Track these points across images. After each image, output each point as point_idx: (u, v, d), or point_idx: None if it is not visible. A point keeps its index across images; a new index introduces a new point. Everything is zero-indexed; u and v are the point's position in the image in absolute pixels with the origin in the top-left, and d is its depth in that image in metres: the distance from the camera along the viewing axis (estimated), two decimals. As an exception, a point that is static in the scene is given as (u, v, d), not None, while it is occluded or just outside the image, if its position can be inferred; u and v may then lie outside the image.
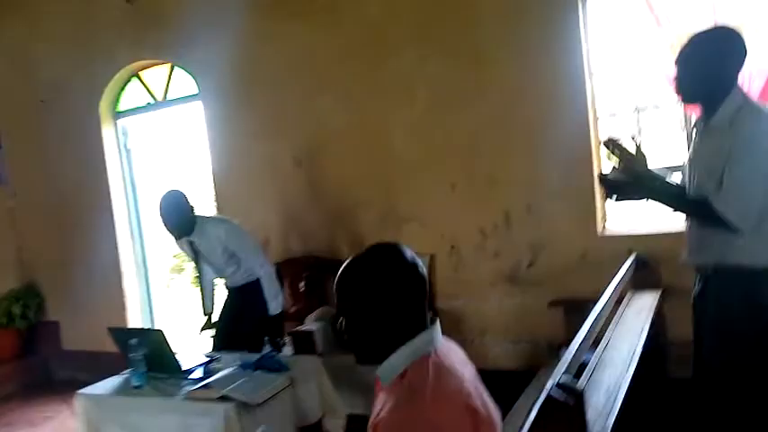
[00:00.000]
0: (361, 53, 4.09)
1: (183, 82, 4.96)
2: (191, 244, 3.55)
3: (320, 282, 4.15)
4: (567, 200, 3.57)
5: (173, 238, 3.61)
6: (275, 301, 3.51)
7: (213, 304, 3.85)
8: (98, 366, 4.92)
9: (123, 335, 3.22)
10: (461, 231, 3.83)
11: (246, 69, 4.53)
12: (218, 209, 4.78)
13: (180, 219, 3.43)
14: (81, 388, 3.09)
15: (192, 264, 3.79)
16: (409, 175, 3.99)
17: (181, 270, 6.47)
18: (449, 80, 3.81)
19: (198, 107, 4.82)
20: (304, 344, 3.62)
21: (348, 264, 1.39)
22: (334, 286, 1.39)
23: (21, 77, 5.65)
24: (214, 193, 4.81)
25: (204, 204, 5.43)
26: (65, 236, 5.63)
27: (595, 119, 3.62)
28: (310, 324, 3.75)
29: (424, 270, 1.40)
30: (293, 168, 4.39)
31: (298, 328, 3.73)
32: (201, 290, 3.74)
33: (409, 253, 1.39)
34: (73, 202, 5.53)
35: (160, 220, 3.45)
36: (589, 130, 3.55)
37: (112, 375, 3.16)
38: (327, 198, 4.27)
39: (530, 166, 3.64)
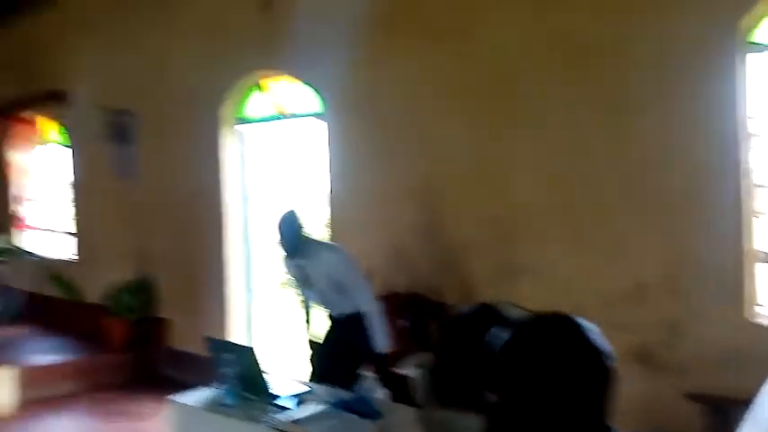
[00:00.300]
0: (492, 86, 3.86)
1: (309, 98, 4.96)
2: (300, 267, 3.55)
3: (422, 323, 3.96)
4: (711, 277, 3.15)
5: (283, 259, 3.64)
6: (383, 340, 3.41)
7: (310, 327, 3.83)
8: (203, 370, 5.04)
9: (219, 346, 3.26)
10: (585, 295, 3.46)
11: (371, 91, 4.44)
12: (331, 230, 4.73)
13: (289, 237, 3.49)
14: (184, 389, 3.17)
15: (298, 286, 3.77)
16: (531, 223, 3.70)
17: (288, 285, 6.53)
18: (585, 125, 3.49)
19: (320, 124, 4.79)
20: (399, 389, 3.46)
21: (515, 335, 1.17)
22: (496, 359, 1.18)
23: (158, 79, 5.93)
24: (329, 214, 4.76)
25: (316, 224, 5.41)
26: (182, 235, 5.83)
27: (750, 189, 3.18)
28: (408, 369, 3.59)
29: (614, 363, 1.15)
30: (407, 199, 4.23)
31: (394, 370, 3.58)
32: (307, 318, 3.74)
33: (598, 338, 1.15)
34: (191, 204, 5.72)
35: (277, 236, 3.55)
36: (741, 202, 3.12)
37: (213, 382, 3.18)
38: (439, 236, 4.07)
39: (669, 234, 3.25)
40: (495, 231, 3.84)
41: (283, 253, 3.62)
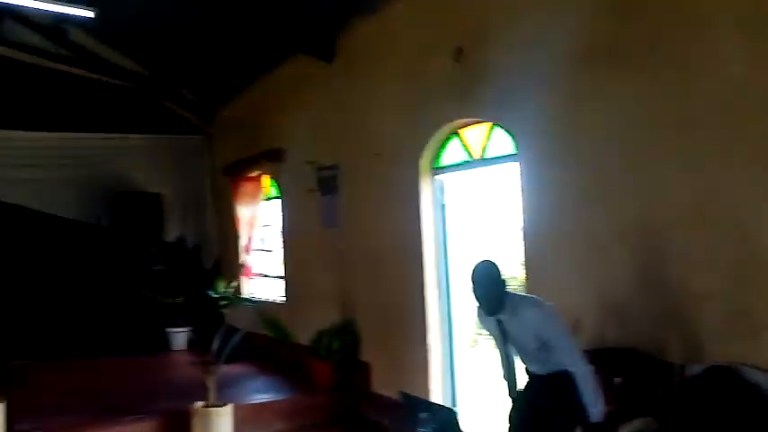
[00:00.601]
0: (716, 116, 3.36)
1: (502, 141, 4.83)
2: (498, 323, 3.30)
3: (639, 384, 3.49)
4: None
5: (478, 313, 3.43)
6: (596, 406, 3.04)
7: (511, 383, 3.55)
8: (402, 415, 5.00)
9: (415, 403, 3.15)
10: None
11: (570, 129, 4.17)
12: (527, 279, 4.47)
13: (489, 293, 3.22)
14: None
15: (496, 342, 3.52)
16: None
17: (486, 336, 6.39)
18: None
19: (514, 168, 4.62)
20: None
21: None
22: None
23: (359, 134, 6.23)
24: (524, 262, 4.52)
25: (513, 272, 5.19)
26: (379, 281, 5.96)
27: None
28: (626, 436, 3.17)
29: None
30: (617, 244, 3.83)
31: (608, 436, 3.18)
32: (506, 375, 3.45)
33: None
34: (390, 251, 5.82)
35: (470, 289, 3.29)
36: None
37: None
38: (659, 285, 3.59)
39: None
40: (730, 278, 3.26)
41: (479, 307, 3.37)
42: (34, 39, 8.21)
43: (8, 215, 8.28)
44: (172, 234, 8.97)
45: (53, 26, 7.85)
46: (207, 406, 5.22)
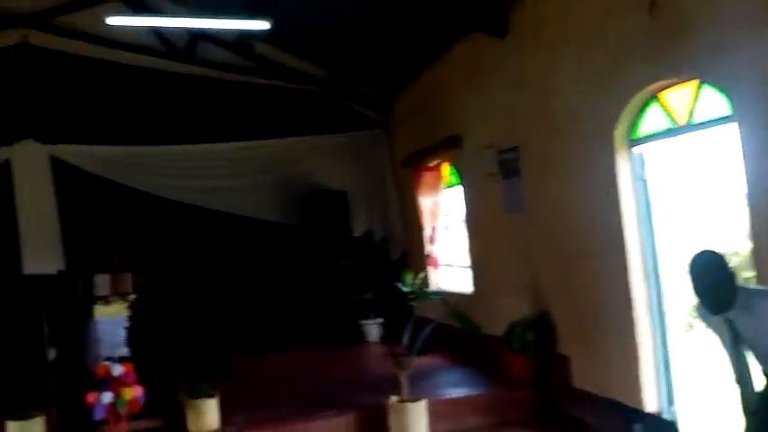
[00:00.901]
0: None
1: (713, 102, 4.13)
2: (728, 322, 2.76)
3: None
4: None
5: (699, 311, 2.91)
6: None
7: (745, 392, 2.94)
8: (607, 414, 4.57)
9: (629, 414, 2.76)
10: None
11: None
12: (755, 255, 3.78)
13: (713, 287, 2.70)
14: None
15: (725, 344, 2.94)
16: None
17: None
18: None
19: (732, 131, 3.93)
20: None
21: None
22: None
23: (541, 111, 5.81)
24: (751, 236, 3.82)
25: (735, 247, 4.46)
26: (573, 267, 5.51)
27: None
28: None
29: None
30: None
31: None
32: (740, 382, 2.87)
33: None
34: (581, 233, 5.36)
35: (690, 283, 2.80)
36: None
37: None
38: None
39: None
40: None
41: (700, 303, 2.86)
42: (224, 55, 8.88)
43: (217, 221, 9.09)
44: (358, 229, 9.21)
45: (239, 42, 8.41)
46: (401, 401, 5.20)
